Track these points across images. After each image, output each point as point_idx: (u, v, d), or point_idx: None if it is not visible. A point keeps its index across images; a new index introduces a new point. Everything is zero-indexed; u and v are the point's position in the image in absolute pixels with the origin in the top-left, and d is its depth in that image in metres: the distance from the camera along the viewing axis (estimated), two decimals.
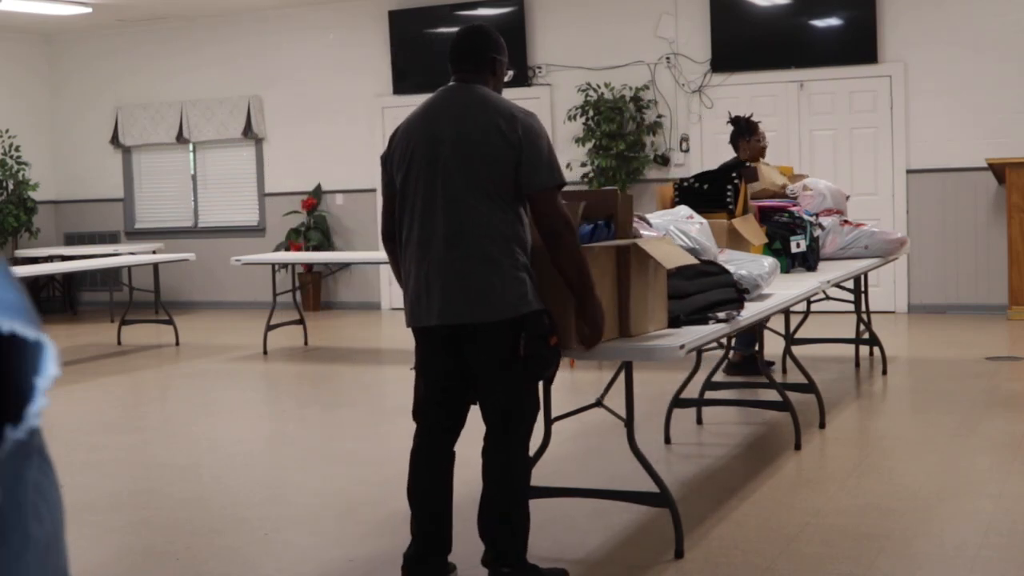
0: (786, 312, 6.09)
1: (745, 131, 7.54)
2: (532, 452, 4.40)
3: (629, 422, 4.18)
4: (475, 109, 3.68)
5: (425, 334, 3.78)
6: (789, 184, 7.24)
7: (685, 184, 6.00)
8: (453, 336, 3.71)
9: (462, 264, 3.61)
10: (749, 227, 5.86)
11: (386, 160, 3.84)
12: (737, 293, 4.61)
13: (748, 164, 7.04)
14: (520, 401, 3.75)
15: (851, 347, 7.96)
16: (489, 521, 3.80)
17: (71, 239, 13.75)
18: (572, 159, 11.21)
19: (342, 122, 12.46)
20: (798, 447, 5.67)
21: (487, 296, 3.60)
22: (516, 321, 3.61)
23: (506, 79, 3.90)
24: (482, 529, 3.82)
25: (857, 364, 7.90)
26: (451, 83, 3.81)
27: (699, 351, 5.46)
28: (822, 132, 10.79)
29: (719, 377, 6.64)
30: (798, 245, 6.45)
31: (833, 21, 10.63)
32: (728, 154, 7.83)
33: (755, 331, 6.14)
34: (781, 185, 7.15)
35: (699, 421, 6.31)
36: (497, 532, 3.79)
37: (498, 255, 3.59)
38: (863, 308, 7.84)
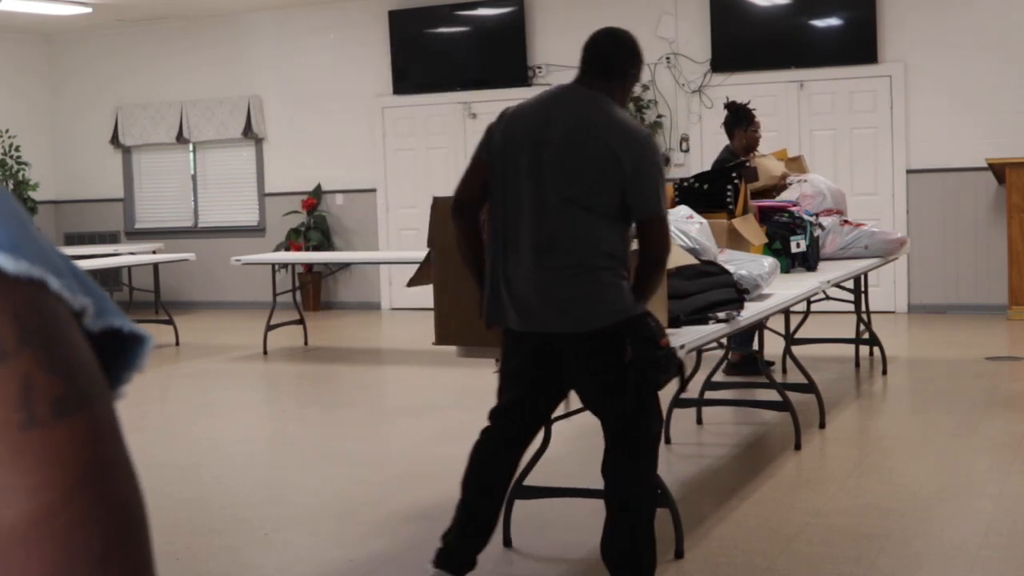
0: (786, 312, 6.09)
1: (743, 120, 7.42)
2: (532, 452, 4.40)
3: None
4: (592, 120, 3.52)
5: (515, 340, 3.63)
6: (790, 174, 7.21)
7: (685, 184, 5.99)
8: (544, 345, 3.56)
9: (553, 273, 3.46)
10: (749, 227, 5.86)
11: (491, 133, 3.64)
12: (737, 293, 4.61)
13: (747, 163, 7.03)
14: (639, 412, 3.53)
15: (851, 347, 7.95)
16: (612, 550, 3.61)
17: (71, 239, 13.75)
18: None
19: (342, 122, 12.46)
20: (798, 447, 5.67)
21: (583, 306, 3.45)
22: (617, 329, 3.44)
23: (633, 92, 3.77)
24: (606, 555, 3.64)
25: (857, 364, 7.89)
26: (573, 83, 3.66)
27: (699, 351, 5.46)
28: (822, 132, 10.78)
29: (719, 377, 6.63)
30: (798, 245, 6.45)
31: (833, 21, 10.62)
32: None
33: (752, 330, 6.14)
34: (781, 175, 7.13)
35: (699, 421, 6.31)
36: (621, 569, 3.60)
37: (595, 265, 3.45)
38: (863, 308, 7.83)
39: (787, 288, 5.45)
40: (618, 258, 3.51)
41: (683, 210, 5.14)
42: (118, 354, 0.68)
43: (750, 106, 7.54)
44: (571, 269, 3.46)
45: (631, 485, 3.58)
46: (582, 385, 3.59)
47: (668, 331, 4.17)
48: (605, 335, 3.45)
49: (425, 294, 4.70)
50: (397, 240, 12.26)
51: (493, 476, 3.77)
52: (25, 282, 0.60)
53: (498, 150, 3.59)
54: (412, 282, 4.48)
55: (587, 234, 3.46)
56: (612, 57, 3.66)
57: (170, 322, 10.32)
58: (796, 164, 7.57)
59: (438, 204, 4.12)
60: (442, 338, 4.11)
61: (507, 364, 3.71)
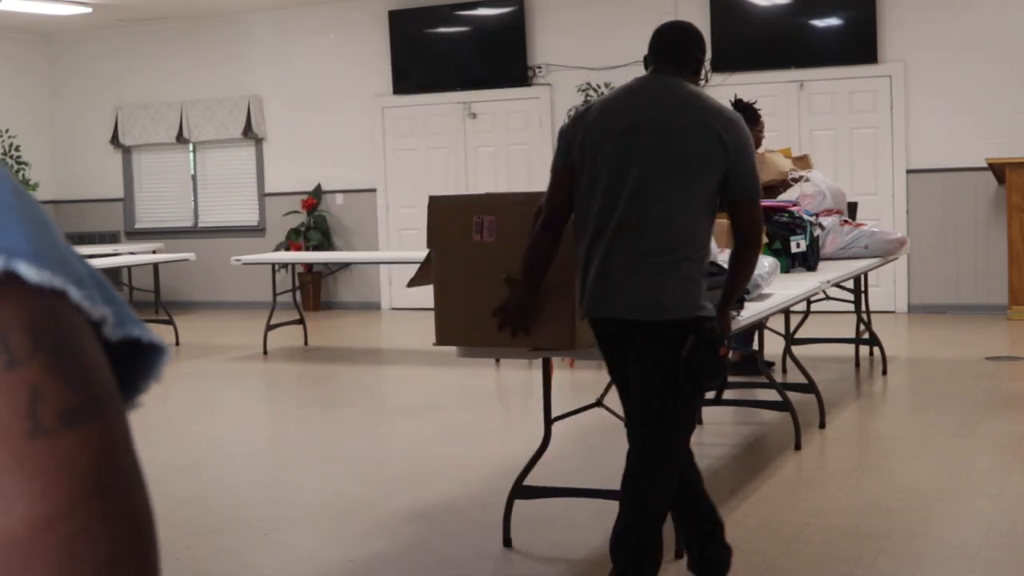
0: (786, 312, 6.09)
1: (749, 119, 7.40)
2: (532, 452, 4.41)
3: None
4: (685, 104, 3.49)
5: (600, 331, 3.58)
6: (797, 171, 7.20)
7: None
8: (610, 333, 3.53)
9: (639, 261, 3.41)
10: None
11: (565, 135, 3.60)
12: None
13: None
14: (674, 410, 3.50)
15: (851, 347, 7.95)
16: (619, 544, 3.55)
17: (71, 239, 13.59)
18: None
19: (342, 122, 12.46)
20: (798, 447, 5.67)
21: (656, 294, 3.40)
22: (683, 324, 3.39)
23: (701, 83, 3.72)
24: (613, 548, 3.59)
25: (857, 364, 7.89)
26: (651, 74, 3.61)
27: None
28: (822, 132, 10.78)
29: None
30: (798, 245, 6.45)
31: (833, 21, 10.62)
32: None
33: (752, 330, 6.14)
34: (787, 171, 7.12)
35: (699, 421, 6.30)
36: (626, 564, 3.53)
37: (681, 256, 3.40)
38: (863, 308, 7.83)
39: (787, 288, 5.45)
40: (704, 249, 3.49)
41: None
42: (136, 363, 0.69)
43: (756, 106, 7.55)
44: (657, 257, 3.40)
45: (641, 482, 3.57)
46: (632, 374, 3.53)
47: None
48: (663, 326, 3.41)
49: (425, 294, 4.70)
50: (397, 240, 12.27)
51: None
52: (45, 290, 0.60)
53: (582, 149, 3.55)
54: (412, 282, 4.48)
55: (678, 221, 3.42)
56: (685, 47, 3.64)
57: (170, 322, 10.32)
58: (802, 162, 7.59)
59: (435, 204, 4.12)
60: (442, 338, 4.10)
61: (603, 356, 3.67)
